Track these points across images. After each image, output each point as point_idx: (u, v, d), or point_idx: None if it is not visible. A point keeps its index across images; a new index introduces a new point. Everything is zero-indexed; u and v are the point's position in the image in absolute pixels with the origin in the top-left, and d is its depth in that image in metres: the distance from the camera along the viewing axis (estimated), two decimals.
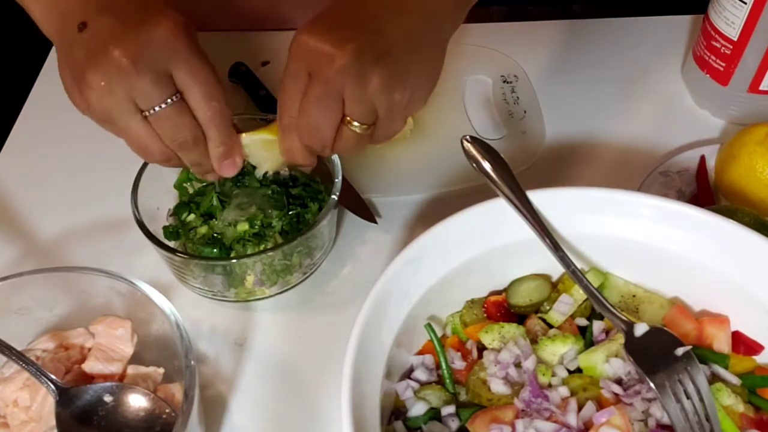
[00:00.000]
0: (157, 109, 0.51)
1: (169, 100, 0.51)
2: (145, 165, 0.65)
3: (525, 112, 0.82)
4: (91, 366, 0.56)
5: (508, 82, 0.85)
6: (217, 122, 0.54)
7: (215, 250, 0.63)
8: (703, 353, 0.54)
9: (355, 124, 0.54)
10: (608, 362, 0.53)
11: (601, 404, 0.51)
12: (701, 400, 0.49)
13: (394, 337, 0.52)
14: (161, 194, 0.67)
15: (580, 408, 0.51)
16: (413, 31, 0.55)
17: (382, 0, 0.55)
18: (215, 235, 0.64)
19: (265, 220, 0.64)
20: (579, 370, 0.54)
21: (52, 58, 0.92)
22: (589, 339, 0.56)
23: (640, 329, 0.52)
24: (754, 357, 0.55)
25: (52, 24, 0.55)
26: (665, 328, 0.53)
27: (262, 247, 0.63)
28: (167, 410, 0.53)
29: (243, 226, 0.64)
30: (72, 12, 0.52)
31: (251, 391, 0.61)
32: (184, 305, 0.65)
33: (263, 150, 0.60)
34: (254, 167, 0.69)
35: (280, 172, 0.70)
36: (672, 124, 0.81)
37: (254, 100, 0.83)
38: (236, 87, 0.85)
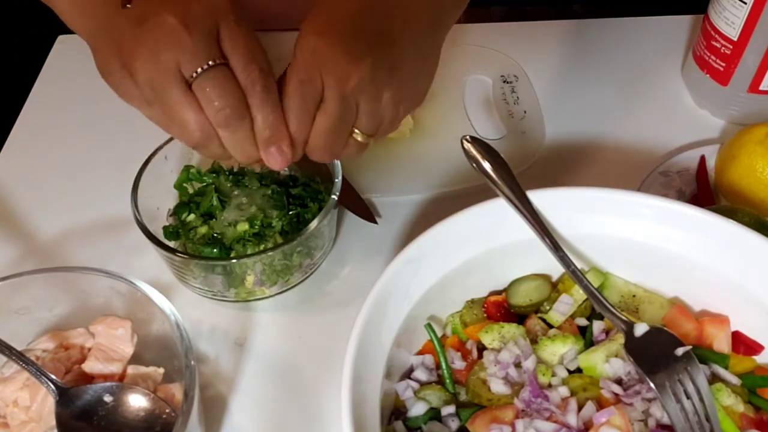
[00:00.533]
0: (201, 69, 0.48)
1: (213, 62, 0.48)
2: (145, 165, 0.65)
3: (525, 112, 0.82)
4: (91, 366, 0.56)
5: (508, 82, 0.85)
6: (261, 93, 0.49)
7: (215, 250, 0.63)
8: (703, 353, 0.54)
9: (360, 136, 0.54)
10: (608, 362, 0.53)
11: (601, 404, 0.51)
12: (701, 400, 0.49)
13: (394, 337, 0.52)
14: (161, 194, 0.67)
15: (580, 408, 0.51)
16: (422, 39, 0.55)
17: (394, 2, 0.54)
18: (215, 235, 0.64)
19: (265, 220, 0.64)
20: (579, 370, 0.54)
21: (52, 58, 0.92)
22: (589, 339, 0.56)
23: (640, 329, 0.52)
24: (754, 357, 0.55)
25: (85, 8, 0.54)
26: (665, 328, 0.53)
27: (262, 247, 0.63)
28: (167, 410, 0.53)
29: (243, 226, 0.63)
30: None
31: (251, 391, 0.61)
32: (184, 305, 0.65)
33: None
34: None
35: (280, 173, 0.70)
36: (672, 124, 0.81)
37: None
38: None
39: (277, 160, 0.52)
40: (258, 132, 0.51)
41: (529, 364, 0.53)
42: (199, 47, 0.48)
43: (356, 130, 0.54)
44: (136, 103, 0.52)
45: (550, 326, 0.57)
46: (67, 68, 0.90)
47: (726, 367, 0.54)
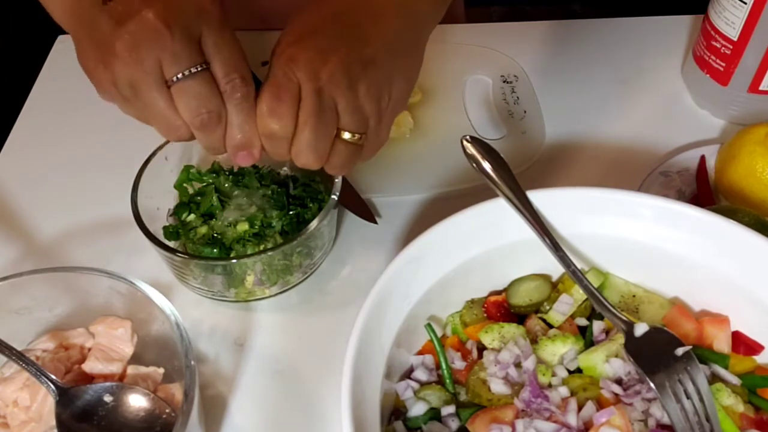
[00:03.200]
0: (183, 74, 0.48)
1: (195, 69, 0.49)
2: (145, 165, 0.65)
3: (525, 112, 0.82)
4: (91, 366, 0.56)
5: (508, 82, 0.85)
6: (239, 101, 0.51)
7: (215, 250, 0.63)
8: (703, 353, 0.54)
9: (347, 135, 0.53)
10: (608, 362, 0.53)
11: (601, 404, 0.51)
12: (701, 400, 0.49)
13: (394, 337, 0.52)
14: (161, 194, 0.67)
15: (580, 408, 0.51)
16: (394, 36, 0.55)
17: (362, 4, 0.55)
18: (215, 235, 0.64)
19: (265, 220, 0.64)
20: (579, 370, 0.54)
21: (52, 58, 0.92)
22: (589, 339, 0.56)
23: (640, 329, 0.52)
24: (754, 357, 0.55)
25: (66, 5, 0.54)
26: (665, 328, 0.53)
27: (262, 247, 0.63)
28: (167, 410, 0.53)
29: (243, 226, 0.64)
30: None
31: (251, 391, 0.61)
32: (184, 305, 0.65)
33: None
34: (255, 166, 0.69)
35: (280, 172, 0.71)
36: (672, 124, 0.81)
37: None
38: None
39: (245, 161, 0.54)
40: (230, 136, 0.52)
41: (529, 364, 0.53)
42: (181, 51, 0.48)
43: (346, 134, 0.53)
44: (114, 99, 0.52)
45: (550, 326, 0.57)
46: (67, 68, 0.90)
47: (726, 367, 0.54)
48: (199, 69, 0.49)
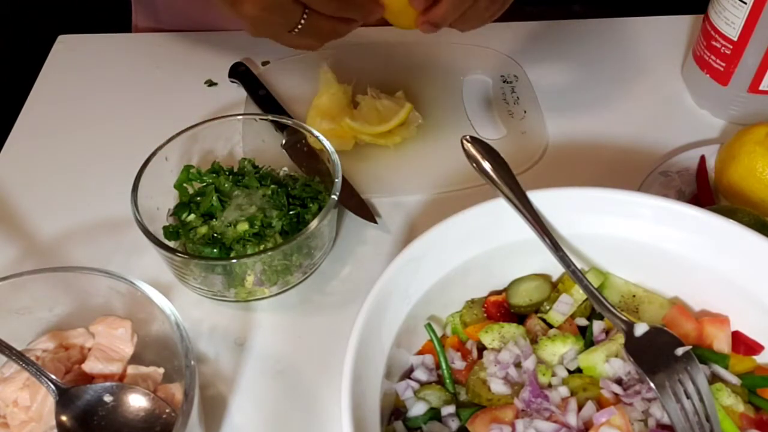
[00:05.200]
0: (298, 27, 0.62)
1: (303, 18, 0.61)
2: (145, 165, 0.65)
3: (525, 112, 0.82)
4: (91, 366, 0.56)
5: (508, 82, 0.85)
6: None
7: (215, 250, 0.63)
8: (703, 353, 0.54)
9: None
10: (608, 362, 0.53)
11: (601, 404, 0.51)
12: (701, 400, 0.49)
13: (394, 337, 0.52)
14: (161, 194, 0.67)
15: (580, 408, 0.51)
16: None
17: None
18: (215, 235, 0.64)
19: (265, 220, 0.64)
20: (579, 370, 0.54)
21: (52, 58, 0.92)
22: (589, 339, 0.56)
23: (640, 329, 0.52)
24: (754, 357, 0.55)
25: None
26: (665, 328, 0.53)
27: (262, 247, 0.63)
28: (167, 410, 0.53)
29: (243, 226, 0.64)
30: None
31: (251, 391, 0.61)
32: (184, 305, 0.65)
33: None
34: (255, 166, 0.69)
35: (279, 172, 0.71)
36: (672, 124, 0.81)
37: (254, 100, 0.83)
38: (236, 87, 0.86)
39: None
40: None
41: (529, 364, 0.53)
42: (289, 18, 0.61)
43: None
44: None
45: (550, 326, 0.57)
46: (67, 68, 0.90)
47: (726, 367, 0.54)
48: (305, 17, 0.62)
